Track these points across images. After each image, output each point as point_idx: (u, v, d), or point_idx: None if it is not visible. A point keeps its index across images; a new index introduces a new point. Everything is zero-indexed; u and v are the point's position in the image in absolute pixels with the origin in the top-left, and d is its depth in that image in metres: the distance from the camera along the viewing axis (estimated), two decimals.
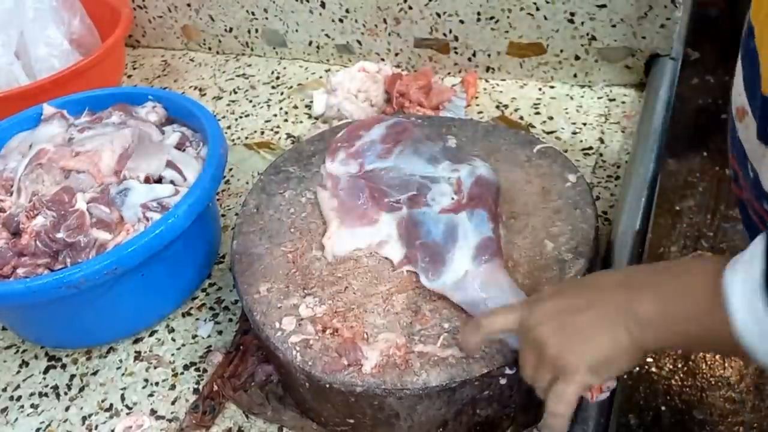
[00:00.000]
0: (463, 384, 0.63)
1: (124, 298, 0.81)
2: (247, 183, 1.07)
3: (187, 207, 0.78)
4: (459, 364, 0.64)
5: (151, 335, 0.86)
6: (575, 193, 0.77)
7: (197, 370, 0.82)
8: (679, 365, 0.74)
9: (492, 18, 1.10)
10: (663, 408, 0.71)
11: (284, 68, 1.33)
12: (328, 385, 0.65)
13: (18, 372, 0.85)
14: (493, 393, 0.66)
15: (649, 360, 0.75)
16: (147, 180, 0.84)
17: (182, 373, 0.81)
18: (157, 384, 0.81)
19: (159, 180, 0.85)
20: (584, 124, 1.05)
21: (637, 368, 0.74)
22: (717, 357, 0.75)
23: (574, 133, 1.04)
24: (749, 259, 0.45)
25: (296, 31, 1.29)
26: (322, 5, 1.22)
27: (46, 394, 0.82)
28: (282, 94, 1.26)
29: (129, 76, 1.40)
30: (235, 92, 1.28)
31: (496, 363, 0.64)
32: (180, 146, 0.89)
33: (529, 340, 0.57)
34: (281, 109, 1.22)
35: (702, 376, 0.73)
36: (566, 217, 0.75)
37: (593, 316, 0.53)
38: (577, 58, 1.10)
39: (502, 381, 0.65)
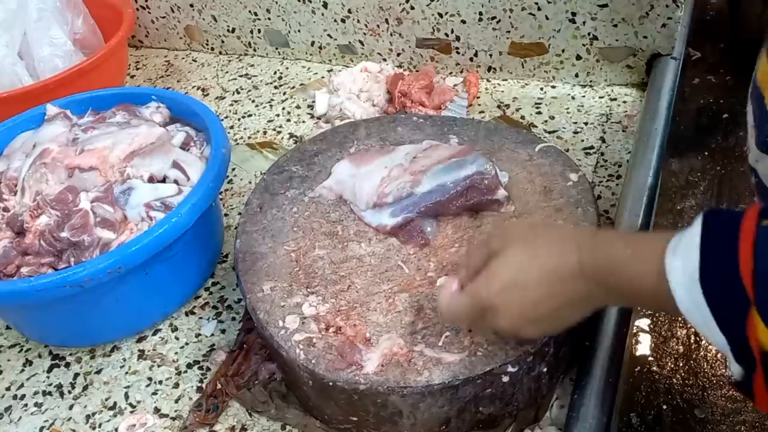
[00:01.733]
0: (465, 382, 0.64)
1: (128, 297, 0.81)
2: (250, 183, 1.08)
3: (190, 206, 0.79)
4: (461, 362, 0.64)
5: (154, 334, 0.87)
6: (577, 192, 0.78)
7: (200, 368, 0.82)
8: (681, 364, 0.75)
9: (493, 18, 1.11)
10: (664, 407, 0.71)
11: (287, 68, 1.33)
12: (331, 383, 0.65)
13: (22, 371, 0.85)
14: (496, 391, 0.66)
15: (651, 359, 0.75)
16: (151, 179, 0.84)
17: (185, 372, 0.82)
18: (160, 382, 0.81)
19: (163, 179, 0.85)
20: (585, 124, 1.05)
21: (638, 367, 0.74)
22: (718, 356, 0.75)
23: (576, 132, 1.04)
24: (686, 247, 0.45)
25: (298, 31, 1.29)
26: (325, 5, 1.22)
27: (49, 393, 0.82)
28: (284, 94, 1.26)
29: (132, 77, 1.40)
30: (238, 92, 1.29)
31: (498, 361, 0.64)
32: (185, 146, 0.89)
33: (482, 314, 0.59)
34: (284, 109, 1.22)
35: (703, 375, 0.74)
36: (568, 216, 0.75)
37: (563, 319, 0.57)
38: (578, 57, 1.10)
39: (505, 379, 0.65)
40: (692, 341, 0.77)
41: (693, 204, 0.91)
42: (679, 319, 0.79)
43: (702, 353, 0.76)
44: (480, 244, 0.62)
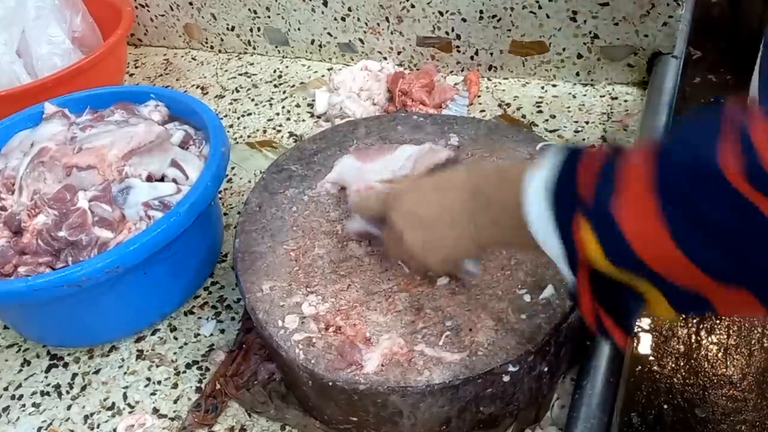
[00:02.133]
0: (466, 382, 0.63)
1: (126, 297, 0.81)
2: (249, 182, 1.07)
3: (189, 205, 0.78)
4: (462, 361, 0.64)
5: (153, 334, 0.86)
6: None
7: (200, 368, 0.81)
8: (681, 363, 0.74)
9: (494, 16, 1.10)
10: (665, 406, 0.71)
11: (286, 67, 1.32)
12: (331, 384, 0.65)
13: (20, 371, 0.85)
14: (496, 390, 0.66)
15: (651, 358, 0.75)
16: (149, 178, 0.84)
17: (184, 372, 0.81)
18: (159, 383, 0.81)
19: (161, 178, 0.85)
20: (586, 123, 1.05)
21: (639, 367, 0.73)
22: (719, 356, 0.75)
23: (577, 131, 1.03)
24: (549, 158, 0.50)
25: (298, 29, 1.29)
26: (325, 3, 1.22)
27: (47, 393, 0.82)
28: (284, 92, 1.25)
29: (131, 75, 1.40)
30: (238, 91, 1.28)
31: (499, 360, 0.63)
32: (184, 145, 0.89)
33: (392, 231, 0.66)
34: (283, 107, 1.22)
35: (704, 375, 0.73)
36: None
37: (446, 223, 0.61)
38: (579, 56, 1.10)
39: (505, 378, 0.65)
40: (693, 340, 0.77)
41: None
42: (680, 318, 0.79)
43: (703, 352, 0.75)
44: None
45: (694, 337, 0.77)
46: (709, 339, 0.77)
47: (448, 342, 0.66)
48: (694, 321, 0.78)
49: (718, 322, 0.79)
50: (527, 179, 0.51)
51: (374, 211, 0.71)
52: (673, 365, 0.74)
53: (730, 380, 0.72)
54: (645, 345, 0.76)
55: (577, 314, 0.68)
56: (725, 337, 0.77)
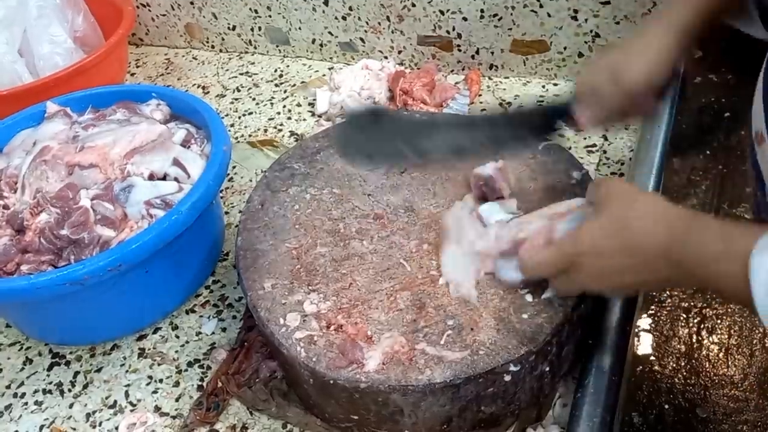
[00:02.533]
0: (467, 381, 0.63)
1: (128, 296, 0.81)
2: (251, 181, 1.07)
3: (190, 204, 0.78)
4: (463, 360, 0.64)
5: (155, 332, 0.86)
6: (580, 190, 0.77)
7: (201, 367, 0.81)
8: (683, 363, 0.75)
9: (495, 15, 1.10)
10: (666, 406, 0.72)
11: (287, 66, 1.32)
12: (332, 381, 0.65)
13: (22, 369, 0.85)
14: (498, 390, 0.66)
15: (652, 358, 0.75)
16: (151, 177, 0.84)
17: (186, 370, 0.81)
18: (161, 381, 0.81)
19: (163, 177, 0.85)
20: None
21: (640, 366, 0.74)
22: (720, 356, 0.76)
23: (578, 131, 1.03)
24: None
25: (299, 29, 1.29)
26: (325, 3, 1.22)
27: (50, 391, 0.82)
28: (285, 92, 1.26)
29: (132, 74, 1.40)
30: (239, 90, 1.28)
31: (500, 360, 0.63)
32: (185, 143, 0.89)
33: (565, 269, 0.62)
34: (284, 107, 1.22)
35: (705, 375, 0.74)
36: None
37: (632, 281, 0.58)
38: (580, 55, 1.10)
39: (507, 378, 0.65)
40: (694, 341, 0.78)
41: (695, 203, 0.91)
42: (681, 318, 0.80)
43: (704, 353, 0.76)
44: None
45: (695, 337, 0.78)
46: (711, 339, 0.78)
47: (449, 341, 0.66)
48: (695, 321, 0.79)
49: (719, 321, 0.79)
50: (753, 264, 0.45)
51: (546, 274, 0.65)
52: (675, 365, 0.75)
53: (732, 380, 0.73)
54: (646, 345, 0.76)
55: (578, 313, 0.69)
56: (726, 337, 0.78)
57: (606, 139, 1.01)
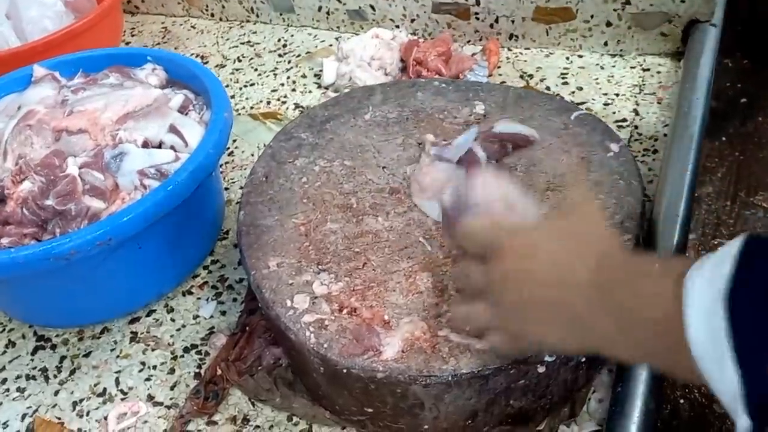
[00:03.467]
0: (497, 371, 0.57)
1: (119, 274, 0.74)
2: (252, 155, 1.00)
3: (188, 174, 0.71)
4: (492, 349, 0.57)
5: (148, 315, 0.80)
6: (618, 163, 0.70)
7: (198, 353, 0.75)
8: None
9: None
10: (682, 401, 0.69)
11: (291, 36, 1.25)
12: (345, 371, 0.58)
13: (4, 352, 0.79)
14: (530, 382, 0.59)
15: None
16: (145, 144, 0.77)
17: (182, 356, 0.75)
18: (154, 367, 0.74)
19: (158, 145, 0.78)
20: (616, 95, 0.98)
21: None
22: None
23: (606, 104, 0.96)
24: (717, 260, 0.37)
25: None
26: None
27: (33, 377, 0.76)
28: (289, 62, 1.18)
29: (127, 43, 1.33)
30: (240, 60, 1.21)
31: None
32: (183, 109, 0.82)
33: (490, 290, 0.52)
34: (288, 78, 1.14)
35: None
36: (609, 189, 0.68)
37: (556, 312, 0.48)
38: (608, 24, 1.02)
39: (540, 369, 0.58)
40: None
41: (710, 191, 0.89)
42: None
43: None
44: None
45: None
46: None
47: None
48: None
49: None
50: (688, 281, 0.38)
51: (477, 246, 0.55)
52: None
53: None
54: None
55: None
56: None
57: (637, 113, 0.94)
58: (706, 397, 0.68)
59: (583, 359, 0.61)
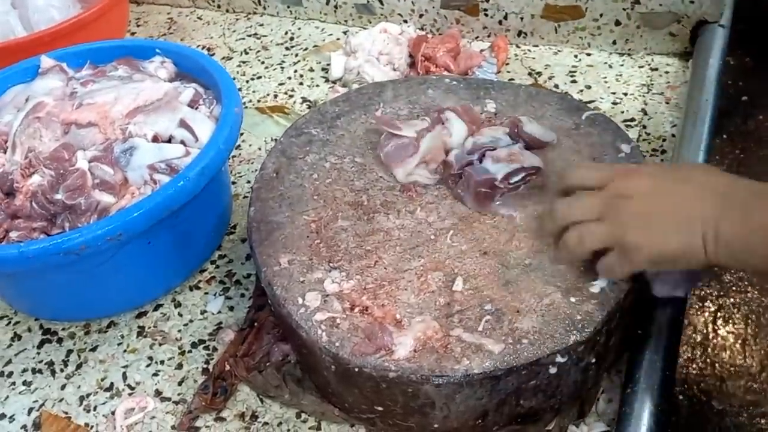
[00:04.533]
0: (509, 372, 0.57)
1: (128, 268, 0.74)
2: (260, 149, 1.00)
3: (199, 170, 0.71)
4: (505, 350, 0.57)
5: (155, 309, 0.80)
6: (629, 164, 0.70)
7: (206, 348, 0.75)
8: (698, 354, 0.72)
9: None
10: (680, 397, 0.68)
11: (299, 29, 1.25)
12: (357, 369, 0.58)
13: (10, 345, 0.78)
14: (540, 382, 0.59)
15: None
16: (155, 139, 0.76)
17: (190, 352, 0.75)
18: (162, 362, 0.74)
19: (168, 140, 0.77)
20: (625, 94, 0.98)
21: None
22: (737, 346, 0.72)
23: (615, 103, 0.96)
24: None
25: None
26: None
27: (40, 371, 0.75)
28: (297, 56, 1.18)
29: (133, 34, 1.32)
30: (246, 53, 1.21)
31: (546, 350, 0.57)
32: (193, 104, 0.81)
33: (606, 201, 0.58)
34: (296, 71, 1.14)
35: (722, 366, 0.71)
36: None
37: (679, 217, 0.54)
38: (617, 23, 1.02)
39: (552, 370, 0.58)
40: (710, 330, 0.74)
41: None
42: (696, 306, 0.76)
43: (720, 342, 0.73)
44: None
45: (711, 326, 0.74)
46: (727, 328, 0.75)
47: (488, 327, 0.59)
48: (712, 309, 0.75)
49: (736, 311, 0.76)
50: None
51: (591, 180, 0.61)
52: (689, 355, 0.72)
53: (749, 372, 0.70)
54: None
55: (630, 300, 0.62)
56: (743, 327, 0.74)
57: (645, 113, 0.94)
58: (705, 393, 0.68)
59: (594, 360, 0.62)
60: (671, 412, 0.63)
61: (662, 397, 0.59)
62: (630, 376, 0.61)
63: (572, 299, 0.60)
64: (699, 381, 0.69)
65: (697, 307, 0.76)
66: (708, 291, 0.77)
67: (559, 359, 0.58)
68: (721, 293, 0.77)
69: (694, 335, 0.73)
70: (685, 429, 0.66)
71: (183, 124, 0.77)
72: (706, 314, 0.75)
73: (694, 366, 0.71)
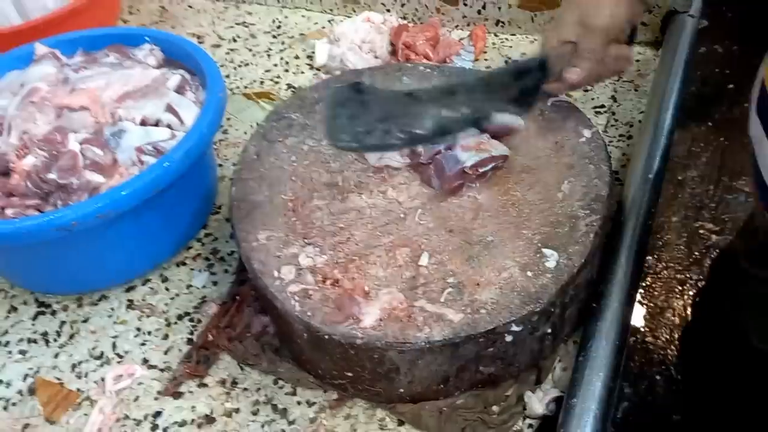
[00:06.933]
0: (467, 339, 0.61)
1: (117, 245, 0.78)
2: (246, 133, 1.04)
3: (183, 151, 0.75)
4: (464, 319, 0.61)
5: (144, 284, 0.84)
6: (590, 148, 0.74)
7: (191, 320, 0.79)
8: (676, 336, 0.74)
9: None
10: (658, 377, 0.71)
11: (285, 17, 1.28)
12: (327, 337, 0.63)
13: (6, 317, 0.83)
14: (498, 350, 0.64)
15: (645, 329, 0.74)
16: (143, 122, 0.80)
17: (176, 323, 0.79)
18: (149, 333, 0.78)
19: (156, 123, 0.81)
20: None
21: (633, 337, 0.72)
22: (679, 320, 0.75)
23: (586, 90, 1.00)
24: None
25: None
26: None
27: (35, 341, 0.80)
28: (283, 43, 1.21)
29: (125, 22, 1.35)
30: (235, 41, 1.24)
31: (502, 319, 0.61)
32: (180, 90, 0.85)
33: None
34: (282, 59, 1.18)
35: (699, 347, 0.73)
36: (579, 172, 0.72)
37: None
38: None
39: (508, 338, 0.63)
40: (688, 313, 0.76)
41: (695, 174, 0.90)
42: (676, 290, 0.78)
43: (698, 325, 0.75)
44: None
45: (689, 309, 0.76)
46: (705, 312, 0.76)
47: (449, 299, 0.64)
48: (691, 293, 0.78)
49: (681, 286, 0.78)
50: None
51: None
52: (668, 337, 0.74)
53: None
54: (639, 316, 0.75)
55: (585, 275, 0.66)
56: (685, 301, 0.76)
57: (615, 100, 0.98)
58: (682, 374, 0.71)
59: (549, 330, 0.66)
60: (620, 379, 0.66)
61: (612, 367, 0.64)
62: (582, 345, 0.66)
63: (529, 273, 0.64)
64: (676, 362, 0.72)
65: (677, 290, 0.78)
66: (688, 275, 0.79)
67: (515, 328, 0.62)
68: (701, 277, 0.79)
69: (672, 318, 0.75)
70: (633, 396, 0.69)
71: (169, 108, 0.81)
72: (686, 297, 0.77)
73: (671, 347, 0.73)
